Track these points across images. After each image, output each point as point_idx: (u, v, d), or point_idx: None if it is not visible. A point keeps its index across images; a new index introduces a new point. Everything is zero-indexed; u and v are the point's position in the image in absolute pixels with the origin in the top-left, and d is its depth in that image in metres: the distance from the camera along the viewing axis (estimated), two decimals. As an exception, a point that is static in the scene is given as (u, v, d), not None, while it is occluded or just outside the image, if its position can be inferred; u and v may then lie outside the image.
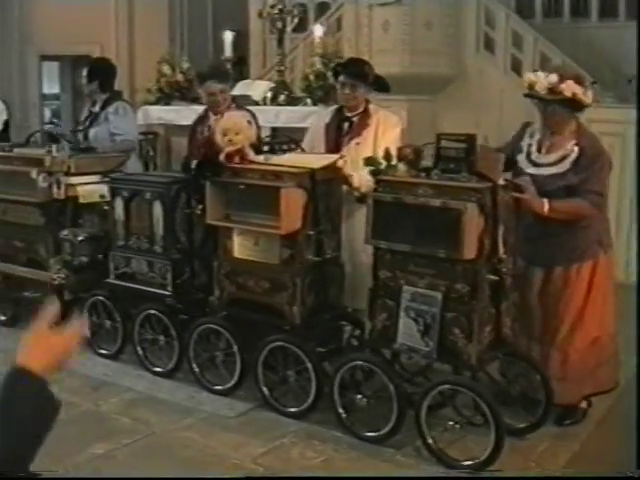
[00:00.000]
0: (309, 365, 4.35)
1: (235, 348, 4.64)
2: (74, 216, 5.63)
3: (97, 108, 6.30)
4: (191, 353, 4.85)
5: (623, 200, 7.19)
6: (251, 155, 4.54)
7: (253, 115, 5.27)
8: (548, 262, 4.25)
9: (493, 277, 3.87)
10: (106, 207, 5.31)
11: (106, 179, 5.35)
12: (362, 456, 4.06)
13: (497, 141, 5.09)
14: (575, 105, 4.09)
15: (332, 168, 4.54)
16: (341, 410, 4.26)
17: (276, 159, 4.57)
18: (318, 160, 4.56)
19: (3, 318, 6.07)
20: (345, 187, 4.76)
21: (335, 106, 5.27)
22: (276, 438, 4.24)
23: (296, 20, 8.46)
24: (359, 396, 4.18)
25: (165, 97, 8.26)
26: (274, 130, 7.14)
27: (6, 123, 7.28)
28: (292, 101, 7.73)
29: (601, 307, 4.28)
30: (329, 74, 6.79)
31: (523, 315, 4.24)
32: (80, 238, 5.42)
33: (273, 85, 8.05)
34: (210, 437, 4.27)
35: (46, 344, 1.54)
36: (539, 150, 4.26)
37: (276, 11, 8.15)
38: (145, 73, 9.70)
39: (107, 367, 5.23)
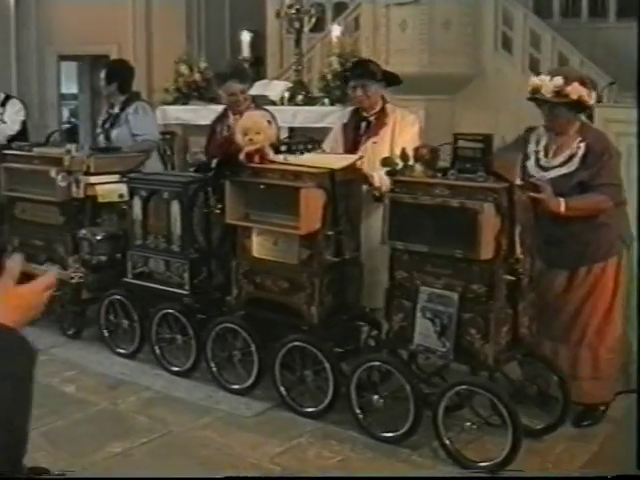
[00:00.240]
0: (327, 365, 4.35)
1: (253, 347, 4.64)
2: (93, 215, 5.65)
3: (116, 110, 6.31)
4: (209, 352, 4.86)
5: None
6: (271, 155, 4.54)
7: (272, 115, 5.28)
8: (572, 264, 4.22)
9: (510, 277, 3.85)
10: (124, 206, 5.34)
11: (125, 179, 5.38)
12: (379, 456, 4.05)
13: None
14: (580, 106, 4.14)
15: (352, 168, 4.54)
16: (358, 410, 4.25)
17: (296, 159, 4.58)
18: (338, 160, 4.57)
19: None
20: (365, 186, 4.76)
21: (353, 107, 5.27)
22: (293, 438, 4.24)
23: (313, 20, 8.49)
24: (376, 396, 4.17)
25: (183, 97, 8.30)
26: (291, 130, 7.15)
27: (24, 123, 7.31)
28: (309, 101, 7.74)
29: (626, 303, 4.27)
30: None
31: (547, 317, 4.21)
32: (98, 237, 5.44)
33: (290, 85, 8.06)
34: (227, 436, 4.28)
35: (15, 299, 1.53)
36: (546, 154, 4.26)
37: (293, 11, 8.16)
38: (163, 73, 9.74)
39: (124, 366, 5.24)
